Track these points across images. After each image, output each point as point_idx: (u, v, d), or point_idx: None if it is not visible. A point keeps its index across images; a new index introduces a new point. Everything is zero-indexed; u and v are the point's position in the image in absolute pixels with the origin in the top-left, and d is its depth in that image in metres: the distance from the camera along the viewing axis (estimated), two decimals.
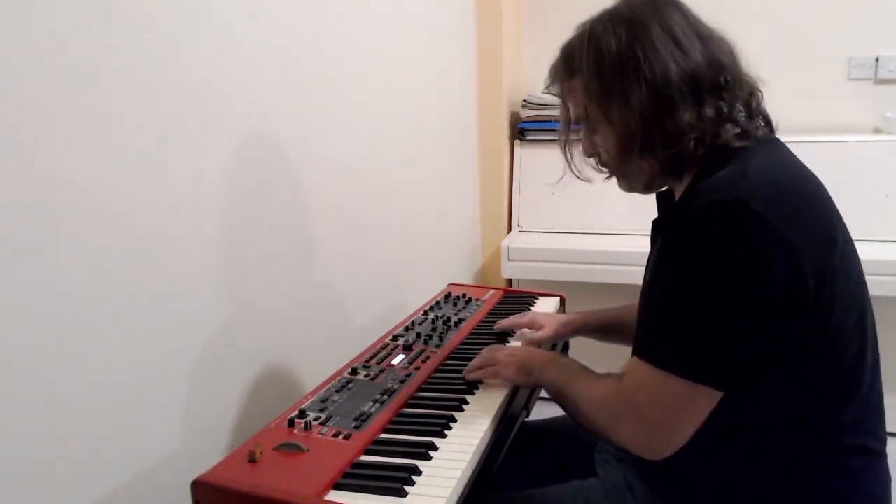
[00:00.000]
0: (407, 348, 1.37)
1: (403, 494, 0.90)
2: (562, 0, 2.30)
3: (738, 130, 0.97)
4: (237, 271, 1.29)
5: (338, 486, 0.92)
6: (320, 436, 1.03)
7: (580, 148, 1.14)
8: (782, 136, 1.06)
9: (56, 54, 0.91)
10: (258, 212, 1.34)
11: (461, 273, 2.54)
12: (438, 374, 1.28)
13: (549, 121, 2.60)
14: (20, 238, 0.87)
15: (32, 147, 0.88)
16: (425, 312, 1.61)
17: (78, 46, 0.94)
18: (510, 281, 2.67)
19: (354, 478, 0.94)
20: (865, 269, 1.01)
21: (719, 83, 0.98)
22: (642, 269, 1.11)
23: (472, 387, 1.22)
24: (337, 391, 1.18)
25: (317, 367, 1.35)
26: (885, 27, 2.54)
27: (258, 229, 1.35)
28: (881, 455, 1.00)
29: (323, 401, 1.14)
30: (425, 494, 0.91)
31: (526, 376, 1.18)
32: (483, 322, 1.56)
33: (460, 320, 1.55)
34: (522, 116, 2.71)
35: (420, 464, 0.97)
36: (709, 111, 0.97)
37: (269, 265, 1.39)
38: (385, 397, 1.16)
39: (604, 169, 1.12)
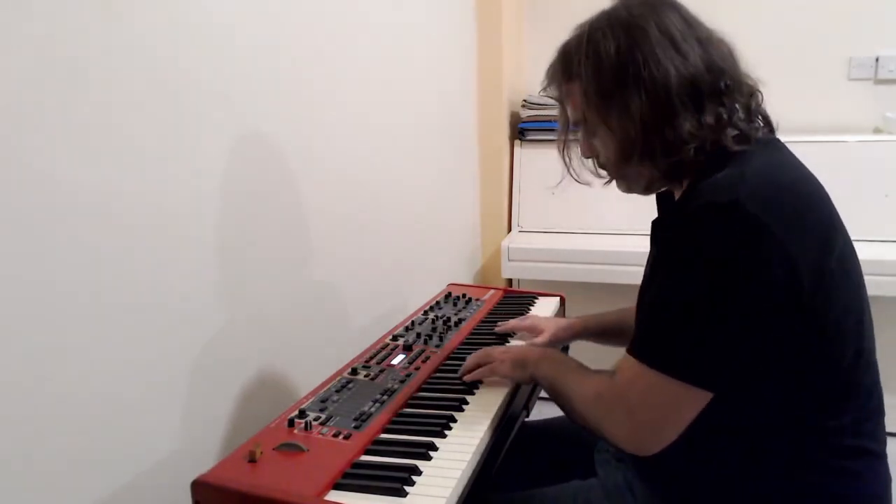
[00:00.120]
0: (407, 348, 1.37)
1: (403, 494, 0.90)
2: (562, 0, 2.30)
3: (737, 133, 0.97)
4: (237, 271, 1.29)
5: (338, 486, 0.92)
6: (320, 436, 1.03)
7: (579, 150, 1.13)
8: (782, 136, 1.06)
9: (55, 54, 0.91)
10: (259, 212, 1.34)
11: (461, 273, 2.54)
12: (438, 374, 1.28)
13: (549, 121, 2.60)
14: (19, 238, 0.87)
15: (31, 147, 0.88)
16: (425, 312, 1.61)
17: (77, 46, 0.94)
18: (510, 281, 2.67)
19: (354, 478, 0.94)
20: (865, 269, 1.01)
21: (719, 88, 0.97)
22: (642, 269, 1.11)
23: (471, 387, 1.22)
24: (337, 391, 1.18)
25: (317, 367, 1.35)
26: (885, 27, 2.54)
27: (259, 230, 1.35)
28: (881, 456, 1.00)
29: (323, 401, 1.14)
30: (425, 494, 0.91)
31: (521, 371, 1.18)
32: (483, 322, 1.56)
33: (460, 320, 1.55)
34: (522, 116, 2.71)
35: (420, 464, 0.97)
36: (709, 119, 0.96)
37: (270, 265, 1.39)
38: (385, 397, 1.16)
39: (602, 173, 1.12)
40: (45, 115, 0.90)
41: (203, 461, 1.20)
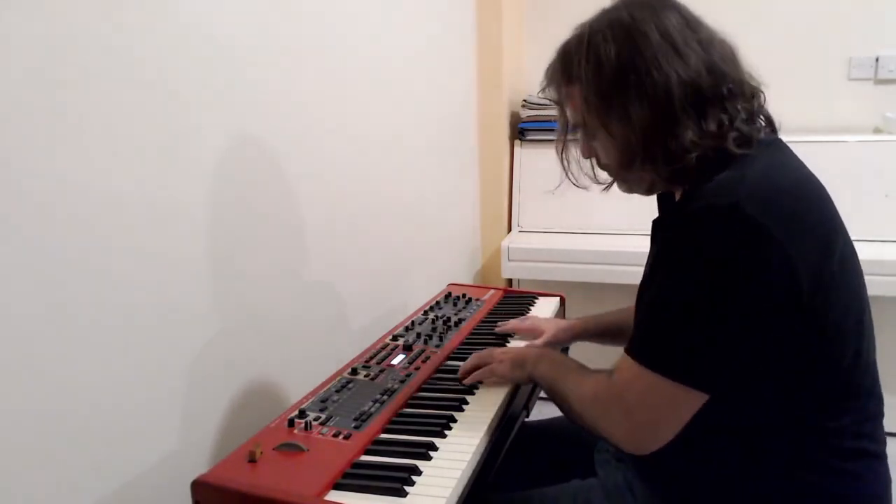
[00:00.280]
0: (407, 348, 1.37)
1: (403, 494, 0.90)
2: (562, 0, 2.30)
3: (739, 136, 0.96)
4: (237, 271, 1.29)
5: (338, 486, 0.92)
6: (320, 436, 1.03)
7: (577, 154, 1.13)
8: (782, 137, 1.06)
9: (54, 54, 0.91)
10: (259, 212, 1.34)
11: (461, 273, 2.55)
12: (438, 374, 1.28)
13: (549, 121, 2.59)
14: (19, 239, 0.87)
15: (28, 148, 0.88)
16: (425, 312, 1.61)
17: (76, 46, 0.94)
18: (510, 281, 2.67)
19: (354, 478, 0.94)
20: (865, 269, 1.01)
21: (721, 93, 0.96)
22: (642, 269, 1.11)
23: (471, 387, 1.22)
24: (337, 391, 1.18)
25: (317, 367, 1.35)
26: (885, 27, 2.54)
27: (258, 230, 1.34)
28: (881, 457, 1.00)
29: (323, 401, 1.14)
30: (425, 494, 0.91)
31: (520, 371, 1.18)
32: (483, 322, 1.56)
33: (460, 320, 1.55)
34: (522, 116, 2.71)
35: (420, 464, 0.97)
36: (711, 126, 0.95)
37: (269, 265, 1.39)
38: (385, 397, 1.16)
39: (601, 175, 1.11)
40: (43, 115, 0.90)
41: (203, 461, 1.20)
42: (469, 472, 0.98)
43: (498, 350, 1.26)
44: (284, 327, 1.44)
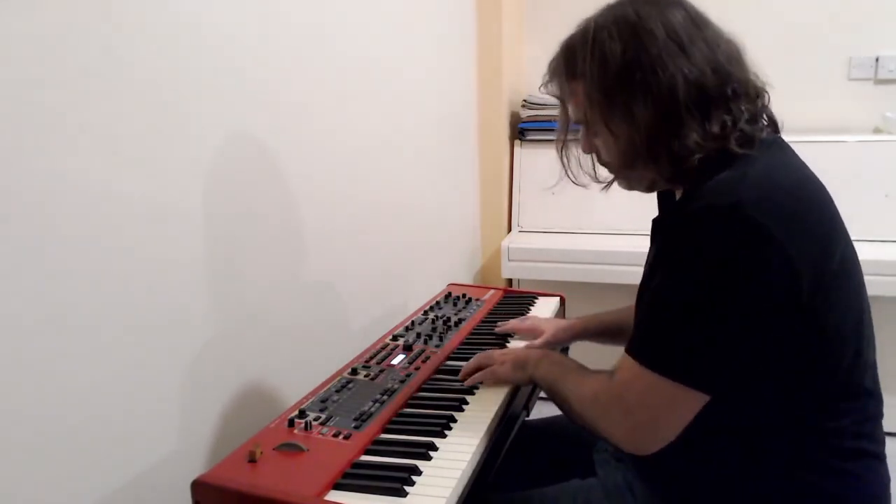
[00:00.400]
0: (407, 348, 1.37)
1: (403, 494, 0.90)
2: (562, 0, 2.30)
3: (741, 136, 0.95)
4: (237, 271, 1.29)
5: (338, 486, 0.92)
6: (320, 436, 1.03)
7: (577, 152, 1.12)
8: (783, 136, 1.06)
9: (53, 54, 0.91)
10: (259, 212, 1.34)
11: (461, 273, 2.54)
12: (438, 375, 1.28)
13: (549, 121, 2.60)
14: (18, 239, 0.87)
15: (30, 147, 0.88)
16: (425, 312, 1.61)
17: (75, 46, 0.94)
18: (510, 281, 2.67)
19: (354, 478, 0.94)
20: (865, 269, 1.01)
21: (726, 94, 0.95)
22: (642, 269, 1.11)
23: (471, 387, 1.22)
24: (337, 391, 1.18)
25: (317, 368, 1.35)
26: (885, 27, 2.54)
27: (258, 229, 1.34)
28: (881, 457, 1.00)
29: (323, 401, 1.14)
30: (425, 494, 0.91)
31: (521, 372, 1.18)
32: (483, 322, 1.56)
33: (460, 320, 1.55)
34: (522, 116, 2.71)
35: (420, 464, 0.97)
36: (714, 128, 0.94)
37: (269, 265, 1.38)
38: (385, 397, 1.16)
39: (602, 172, 1.11)
40: (42, 115, 0.90)
41: (203, 461, 1.20)
42: (469, 472, 0.98)
43: (498, 352, 1.26)
44: (284, 327, 1.44)
